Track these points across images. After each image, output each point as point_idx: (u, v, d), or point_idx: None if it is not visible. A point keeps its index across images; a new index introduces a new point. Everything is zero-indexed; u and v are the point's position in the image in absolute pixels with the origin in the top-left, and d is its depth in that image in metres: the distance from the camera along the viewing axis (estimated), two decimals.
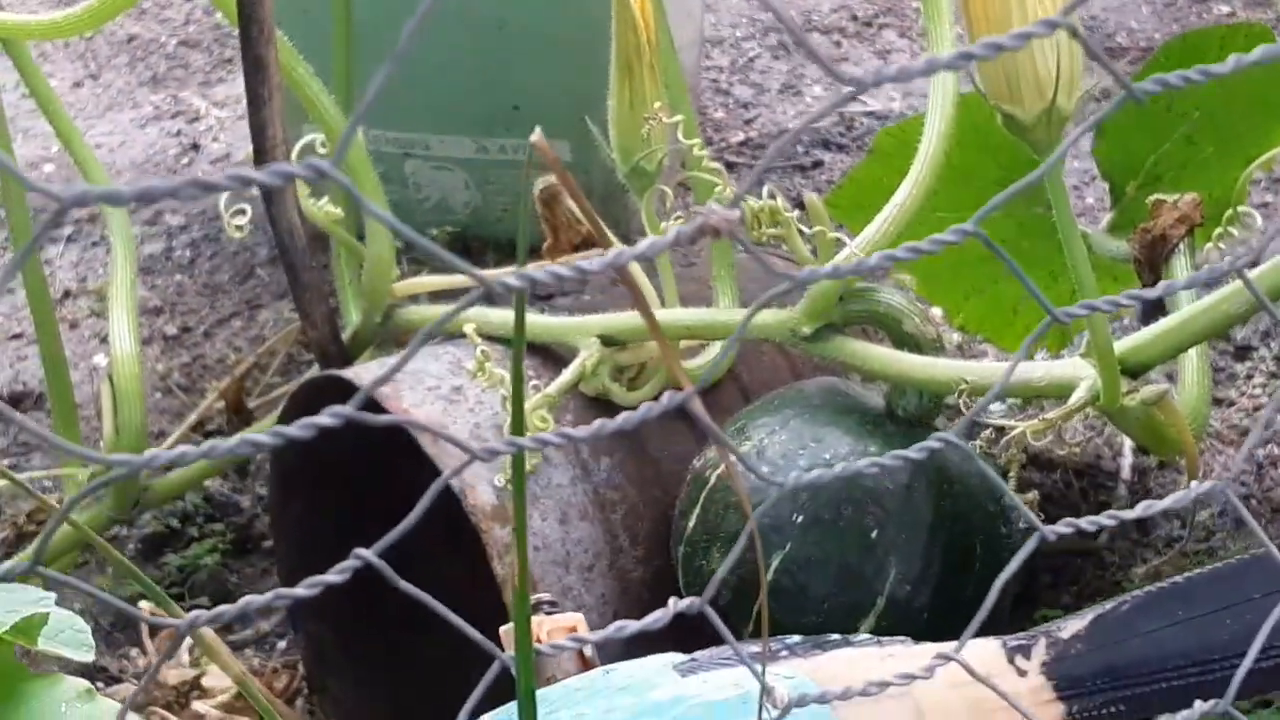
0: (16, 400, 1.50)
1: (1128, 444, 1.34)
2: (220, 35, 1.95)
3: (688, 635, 0.78)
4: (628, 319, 1.09)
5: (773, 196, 1.04)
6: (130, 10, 1.93)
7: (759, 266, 1.18)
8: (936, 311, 1.30)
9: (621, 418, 0.40)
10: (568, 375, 1.07)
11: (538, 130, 0.47)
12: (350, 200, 1.23)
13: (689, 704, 0.61)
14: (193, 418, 1.42)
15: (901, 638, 0.70)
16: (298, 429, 0.37)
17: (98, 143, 1.77)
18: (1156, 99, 1.18)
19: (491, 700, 0.61)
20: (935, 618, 0.99)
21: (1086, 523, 0.43)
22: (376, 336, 1.22)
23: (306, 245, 1.15)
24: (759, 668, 0.46)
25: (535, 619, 0.65)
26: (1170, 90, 1.21)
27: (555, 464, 1.07)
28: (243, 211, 1.17)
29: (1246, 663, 0.49)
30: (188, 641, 1.27)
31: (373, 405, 1.05)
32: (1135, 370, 0.96)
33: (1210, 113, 1.18)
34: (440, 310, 1.19)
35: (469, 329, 1.08)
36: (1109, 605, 0.70)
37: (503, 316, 1.12)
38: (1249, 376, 1.42)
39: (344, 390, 1.08)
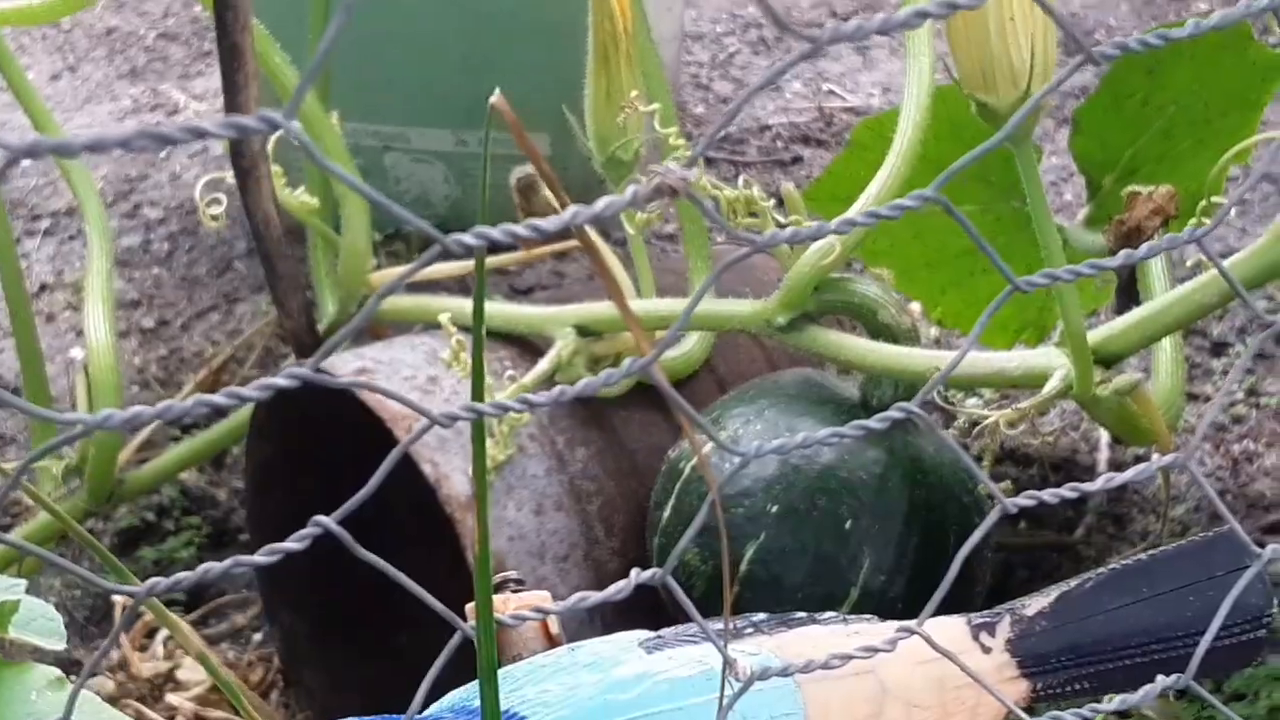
0: None
1: (1104, 438, 1.34)
2: (199, 28, 1.94)
3: (665, 624, 0.78)
4: (603, 309, 1.09)
5: (749, 186, 1.04)
6: (109, 3, 1.93)
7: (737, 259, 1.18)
8: (916, 306, 1.30)
9: (582, 383, 0.40)
10: (543, 365, 1.07)
11: (497, 91, 0.47)
12: (326, 190, 1.23)
13: (654, 680, 0.61)
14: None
15: (868, 616, 0.70)
16: (254, 389, 0.37)
17: (76, 135, 1.76)
18: (1133, 93, 1.18)
19: (464, 678, 0.61)
20: (910, 608, 0.99)
21: (1049, 494, 0.43)
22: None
23: (282, 235, 1.15)
24: (722, 642, 0.46)
25: (501, 597, 0.65)
26: (1141, 82, 1.20)
27: (530, 454, 1.07)
28: (217, 201, 1.17)
29: (1207, 639, 0.49)
30: (163, 633, 1.27)
31: (353, 401, 1.04)
32: (1109, 360, 0.96)
33: (1187, 107, 1.18)
34: (417, 300, 1.18)
35: (444, 319, 1.08)
36: (1073, 583, 0.70)
37: None
38: (1225, 372, 1.42)
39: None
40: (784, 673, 0.46)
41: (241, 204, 1.14)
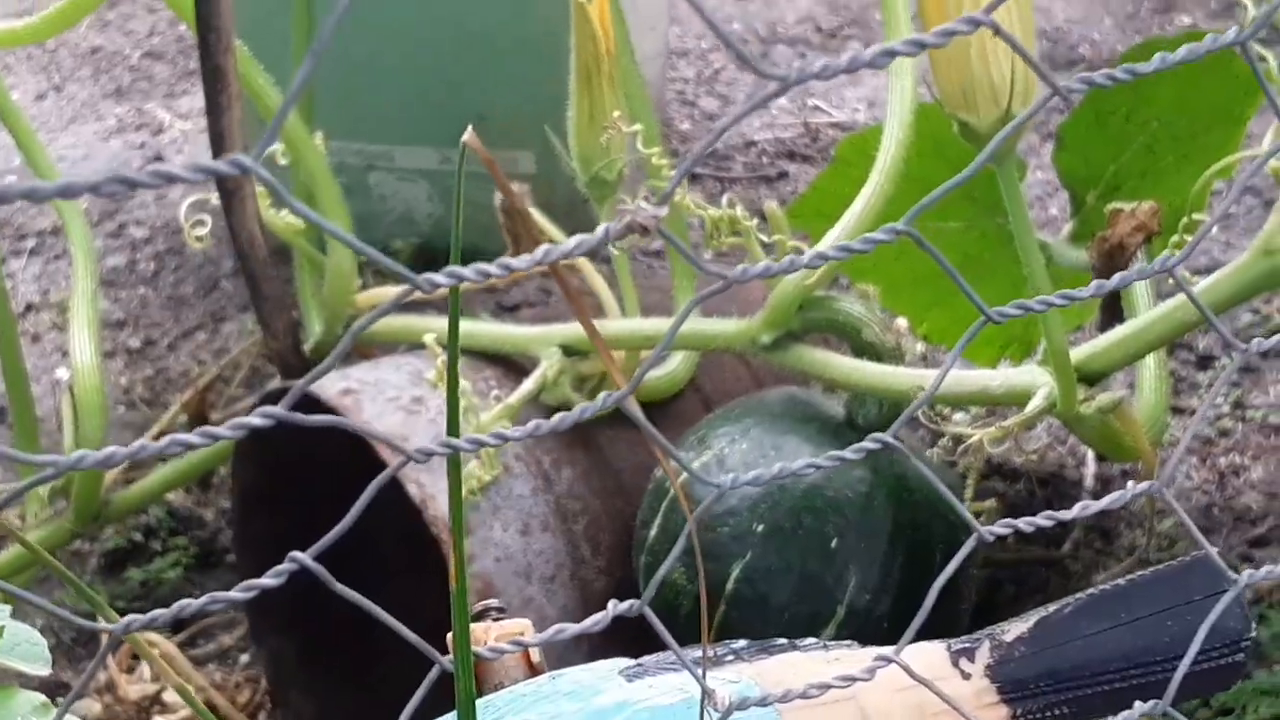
0: None
1: (1090, 453, 1.34)
2: (184, 47, 1.94)
3: (651, 645, 0.78)
4: None
5: (732, 205, 1.04)
6: (94, 22, 1.93)
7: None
8: (902, 322, 1.30)
9: (557, 418, 0.40)
10: (529, 385, 1.07)
11: (469, 130, 0.47)
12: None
13: (634, 709, 0.61)
14: (155, 430, 1.41)
15: (848, 642, 0.70)
16: (228, 429, 0.37)
17: (61, 155, 1.77)
18: (1116, 109, 1.18)
19: (449, 705, 0.60)
20: (895, 626, 0.99)
21: (1024, 523, 0.43)
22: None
23: (268, 256, 1.15)
24: (700, 671, 0.46)
25: (482, 625, 0.65)
26: (1125, 97, 1.20)
27: (516, 474, 1.07)
28: (202, 221, 1.17)
29: (1185, 664, 0.49)
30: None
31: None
32: (1093, 377, 0.96)
33: (1170, 122, 1.18)
34: (403, 321, 1.18)
35: (429, 339, 1.08)
36: (1052, 608, 0.70)
37: (464, 327, 1.12)
38: (1211, 386, 1.42)
39: (305, 401, 1.08)
40: (763, 702, 0.46)
41: (226, 224, 1.14)
